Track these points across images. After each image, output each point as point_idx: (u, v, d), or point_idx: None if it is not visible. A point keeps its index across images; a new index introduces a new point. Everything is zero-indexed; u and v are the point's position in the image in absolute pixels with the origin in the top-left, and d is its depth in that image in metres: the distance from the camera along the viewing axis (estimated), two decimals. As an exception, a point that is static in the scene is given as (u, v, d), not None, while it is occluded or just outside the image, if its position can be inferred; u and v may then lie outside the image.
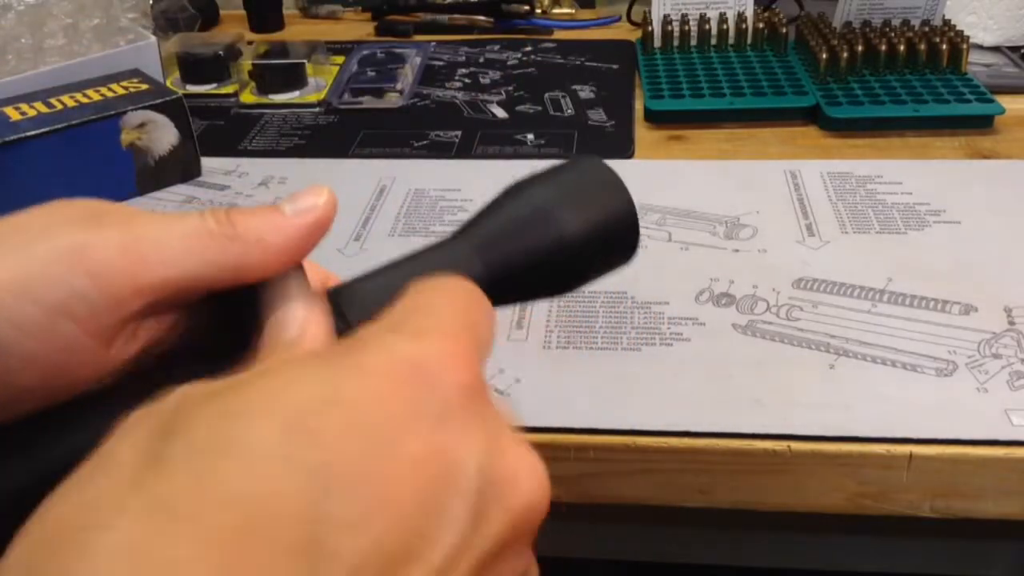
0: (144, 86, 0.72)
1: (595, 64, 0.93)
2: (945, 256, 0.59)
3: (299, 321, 0.26)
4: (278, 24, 1.07)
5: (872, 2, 0.86)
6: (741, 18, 0.88)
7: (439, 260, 0.30)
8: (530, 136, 0.78)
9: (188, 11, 0.99)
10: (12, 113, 0.67)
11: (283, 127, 0.82)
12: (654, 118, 0.79)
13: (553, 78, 0.90)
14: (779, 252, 0.60)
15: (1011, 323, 0.53)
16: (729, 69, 0.85)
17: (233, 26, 1.06)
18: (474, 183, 0.70)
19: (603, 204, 0.31)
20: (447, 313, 0.25)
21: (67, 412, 0.26)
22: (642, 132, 0.78)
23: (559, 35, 1.02)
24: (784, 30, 0.88)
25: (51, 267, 0.25)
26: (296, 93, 0.86)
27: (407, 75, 0.90)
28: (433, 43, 0.99)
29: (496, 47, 0.98)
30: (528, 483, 0.23)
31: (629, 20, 1.02)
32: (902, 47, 0.81)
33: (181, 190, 0.72)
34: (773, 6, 0.92)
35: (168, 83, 0.86)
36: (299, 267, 0.28)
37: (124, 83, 0.72)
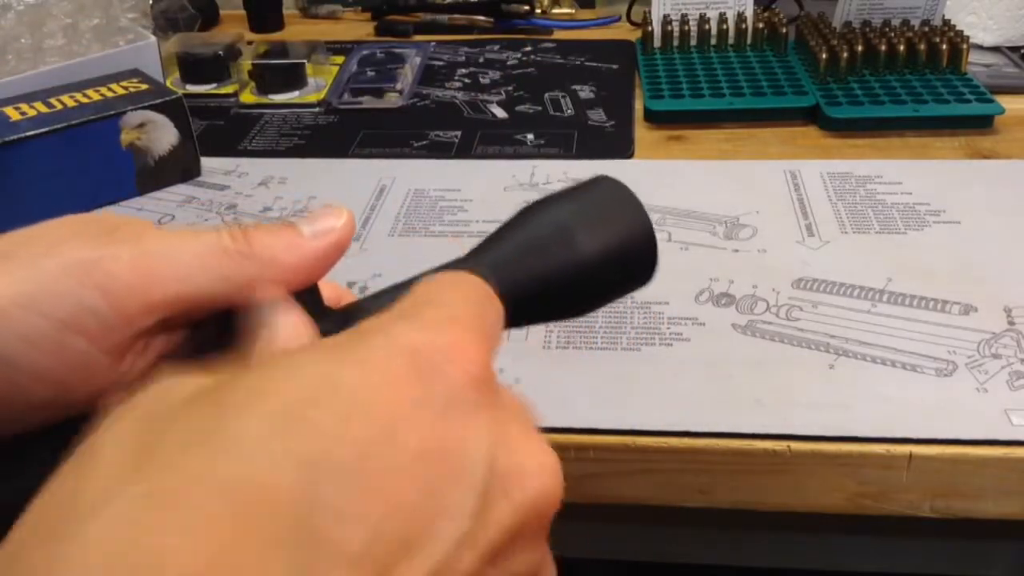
0: (144, 86, 0.72)
1: (595, 64, 0.93)
2: (945, 256, 0.59)
3: (293, 326, 0.26)
4: (278, 24, 1.07)
5: (872, 2, 0.86)
6: (741, 18, 0.88)
7: None
8: (530, 136, 0.78)
9: (188, 11, 0.99)
10: (12, 113, 0.67)
11: (283, 127, 0.82)
12: (654, 118, 0.79)
13: (553, 78, 0.90)
14: (779, 252, 0.60)
15: (1011, 323, 0.53)
16: (729, 69, 0.85)
17: (233, 26, 1.06)
18: (474, 183, 0.70)
19: (622, 226, 0.31)
20: (455, 304, 0.24)
21: (73, 426, 0.26)
22: (642, 132, 0.78)
23: (559, 35, 1.02)
24: (784, 30, 0.87)
25: (62, 281, 0.25)
26: (296, 93, 0.86)
27: (407, 75, 0.90)
28: (433, 43, 0.99)
29: (496, 47, 0.98)
30: (538, 477, 0.23)
31: (629, 20, 1.02)
32: (902, 47, 0.81)
33: (181, 190, 0.72)
34: (773, 6, 0.92)
35: (168, 83, 0.86)
36: (314, 286, 0.28)
37: (124, 83, 0.72)
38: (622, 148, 0.75)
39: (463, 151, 0.76)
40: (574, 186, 0.32)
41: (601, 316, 0.54)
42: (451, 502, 0.21)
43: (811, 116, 0.78)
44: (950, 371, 0.49)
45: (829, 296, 0.56)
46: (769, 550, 0.57)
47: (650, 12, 0.90)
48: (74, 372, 0.25)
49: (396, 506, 0.20)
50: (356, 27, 1.06)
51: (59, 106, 0.68)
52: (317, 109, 0.85)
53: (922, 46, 0.81)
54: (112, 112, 0.68)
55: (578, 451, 0.46)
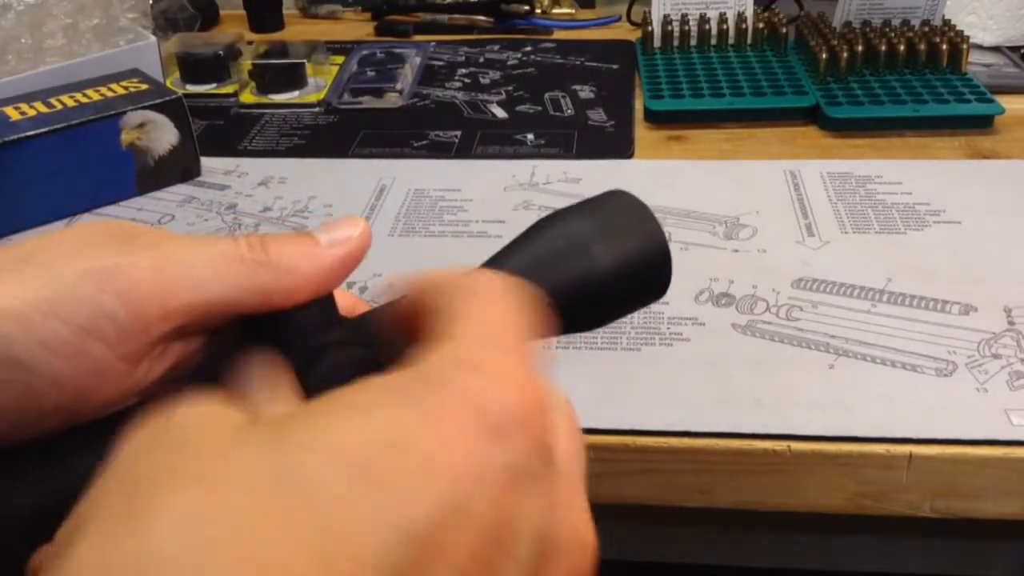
0: (144, 86, 0.72)
1: (595, 64, 0.93)
2: (945, 256, 0.59)
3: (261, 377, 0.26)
4: (278, 24, 1.07)
5: (872, 2, 0.86)
6: (741, 18, 0.88)
7: None
8: (530, 136, 0.78)
9: (188, 11, 0.99)
10: (12, 113, 0.67)
11: (283, 127, 0.82)
12: (654, 118, 0.79)
13: (553, 78, 0.90)
14: (779, 252, 0.60)
15: (1011, 323, 0.53)
16: (729, 69, 0.85)
17: (233, 26, 1.06)
18: (474, 183, 0.70)
19: (637, 239, 0.31)
20: (512, 336, 0.23)
21: (88, 432, 0.26)
22: (642, 132, 0.78)
23: (559, 35, 1.02)
24: (784, 30, 0.88)
25: (80, 287, 0.25)
26: (296, 93, 0.86)
27: (407, 75, 0.90)
28: (433, 43, 0.99)
29: (496, 47, 0.98)
30: (576, 553, 0.22)
31: (629, 20, 1.02)
32: (902, 47, 0.81)
33: (181, 190, 0.72)
34: (773, 6, 0.92)
35: (168, 83, 0.86)
36: (330, 295, 0.28)
37: (124, 83, 0.72)
38: (622, 148, 0.75)
39: (463, 151, 0.76)
40: (588, 200, 0.32)
41: (601, 316, 0.54)
42: (501, 575, 0.20)
43: (811, 116, 0.78)
44: (950, 371, 0.49)
45: (829, 296, 0.56)
46: (769, 550, 0.57)
47: (650, 12, 0.90)
48: (90, 378, 0.25)
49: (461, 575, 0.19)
50: (356, 27, 1.06)
51: (59, 106, 0.68)
52: (317, 109, 0.85)
53: (922, 46, 0.81)
54: (112, 112, 0.68)
55: (578, 451, 0.46)
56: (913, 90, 0.79)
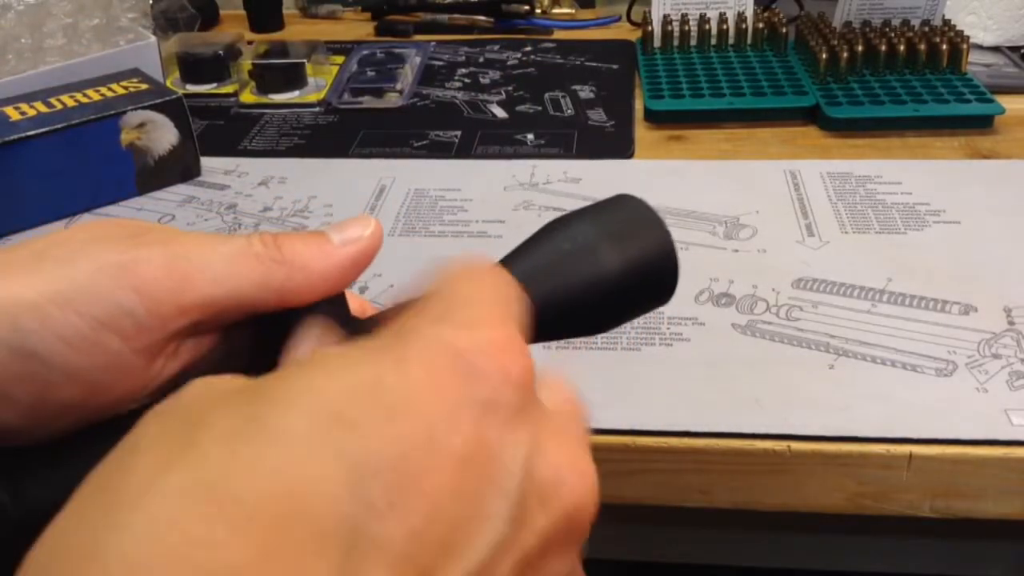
0: (144, 86, 0.72)
1: (595, 64, 0.93)
2: (945, 256, 0.59)
3: (316, 337, 0.26)
4: (278, 24, 1.07)
5: (872, 2, 0.86)
6: (741, 18, 0.88)
7: None
8: (530, 136, 0.78)
9: (188, 11, 0.99)
10: (12, 113, 0.67)
11: (283, 127, 0.82)
12: (654, 118, 0.79)
13: (553, 78, 0.90)
14: (779, 252, 0.60)
15: (1011, 323, 0.53)
16: (729, 69, 0.85)
17: (233, 26, 1.06)
18: (474, 183, 0.70)
19: (645, 243, 0.31)
20: (490, 302, 0.24)
21: (104, 430, 0.26)
22: (642, 132, 0.78)
23: (559, 35, 1.02)
24: (784, 30, 0.88)
25: (97, 282, 0.25)
26: (296, 93, 0.86)
27: (407, 75, 0.90)
28: (433, 43, 0.99)
29: (496, 47, 0.98)
30: (575, 486, 0.23)
31: (629, 20, 1.02)
32: (902, 47, 0.81)
33: (181, 190, 0.72)
34: (773, 6, 0.92)
35: (168, 83, 0.86)
36: (341, 294, 0.28)
37: (124, 83, 0.72)
38: (622, 148, 0.75)
39: (463, 151, 0.76)
40: (597, 203, 0.32)
41: (601, 316, 0.54)
42: (489, 507, 0.21)
43: (811, 116, 0.78)
44: (950, 371, 0.49)
45: (829, 296, 0.56)
46: (769, 550, 0.57)
47: (650, 12, 0.90)
48: (106, 373, 0.25)
49: (436, 508, 0.20)
50: (356, 27, 1.06)
51: (59, 106, 0.68)
52: (317, 109, 0.85)
53: (922, 46, 0.81)
54: (112, 112, 0.68)
55: (578, 451, 0.46)
56: (913, 90, 0.79)
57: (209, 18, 1.06)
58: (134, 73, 0.74)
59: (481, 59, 0.95)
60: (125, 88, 0.71)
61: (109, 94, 0.70)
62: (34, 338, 0.24)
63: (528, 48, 0.98)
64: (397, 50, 0.96)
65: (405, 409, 0.20)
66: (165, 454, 0.19)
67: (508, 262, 0.31)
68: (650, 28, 0.89)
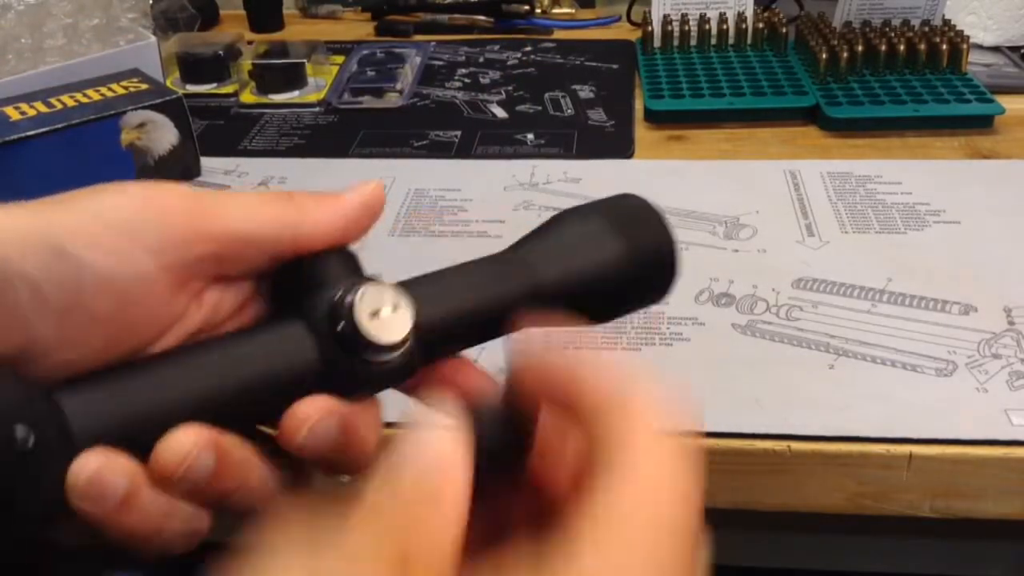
0: (144, 86, 0.72)
1: (595, 64, 0.93)
2: (945, 256, 0.59)
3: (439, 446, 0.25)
4: (278, 24, 1.07)
5: (872, 2, 0.86)
6: (741, 18, 0.88)
7: (493, 272, 0.32)
8: (530, 136, 0.78)
9: (188, 11, 0.99)
10: (12, 113, 0.67)
11: (283, 127, 0.82)
12: (654, 118, 0.79)
13: (553, 78, 0.90)
14: (779, 252, 0.60)
15: (1011, 323, 0.53)
16: (729, 69, 0.85)
17: (233, 26, 1.06)
18: (474, 183, 0.70)
19: (648, 236, 0.33)
20: (664, 514, 0.23)
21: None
22: (642, 132, 0.78)
23: (559, 35, 1.02)
24: (784, 30, 0.88)
25: (122, 204, 0.28)
26: (296, 93, 0.86)
27: (407, 75, 0.90)
28: (433, 43, 0.99)
29: (496, 47, 0.98)
30: None
31: (629, 20, 1.02)
32: (902, 47, 0.81)
33: (181, 190, 0.72)
34: (773, 6, 0.92)
35: (168, 83, 0.86)
36: (353, 253, 0.31)
37: (124, 83, 0.72)
38: (622, 148, 0.75)
39: (463, 151, 0.76)
40: (604, 199, 0.34)
41: (601, 316, 0.54)
42: None
43: (811, 116, 0.78)
44: (950, 371, 0.49)
45: (829, 296, 0.56)
46: (769, 550, 0.57)
47: (650, 12, 0.90)
48: (135, 284, 0.27)
49: None
50: (356, 27, 1.06)
51: (59, 106, 0.68)
52: (317, 109, 0.85)
53: (922, 46, 0.81)
54: (112, 112, 0.68)
55: (578, 451, 0.46)
56: (913, 90, 0.79)
57: (209, 18, 1.06)
58: (134, 73, 0.74)
59: (481, 59, 0.95)
60: (125, 88, 0.71)
61: (109, 94, 0.70)
62: (64, 236, 0.26)
63: (528, 48, 0.98)
64: (397, 50, 0.96)
65: None
66: None
67: (520, 246, 0.32)
68: (650, 28, 0.89)
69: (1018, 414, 0.46)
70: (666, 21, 0.90)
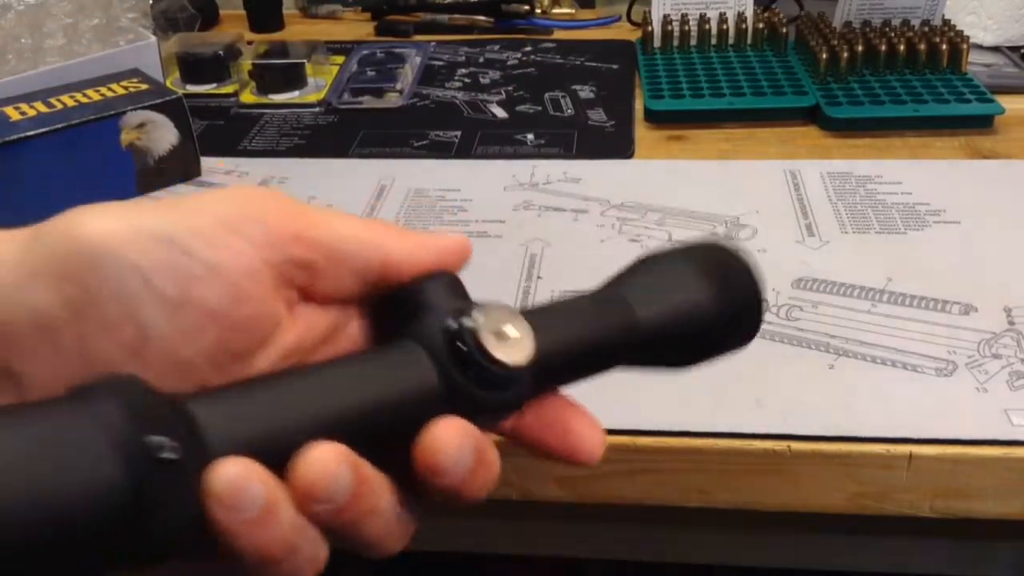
0: (144, 86, 0.72)
1: (595, 64, 0.93)
2: (945, 256, 0.59)
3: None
4: (278, 24, 1.07)
5: (872, 2, 0.86)
6: (741, 18, 0.88)
7: (597, 309, 0.32)
8: (530, 136, 0.78)
9: (188, 11, 0.99)
10: (12, 113, 0.67)
11: (283, 127, 0.82)
12: (654, 118, 0.79)
13: (553, 78, 0.90)
14: (779, 252, 0.60)
15: (1011, 323, 0.53)
16: (729, 69, 0.85)
17: (233, 26, 1.06)
18: (474, 183, 0.70)
19: (738, 282, 0.33)
20: None
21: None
22: (642, 132, 0.78)
23: (559, 35, 1.02)
24: (784, 30, 0.88)
25: (227, 201, 0.28)
26: (296, 93, 0.86)
27: (407, 75, 0.90)
28: (433, 43, 0.99)
29: (496, 47, 0.98)
30: None
31: (629, 20, 1.02)
32: (902, 47, 0.81)
33: (181, 190, 0.72)
34: (773, 6, 0.92)
35: (168, 83, 0.86)
36: (455, 277, 0.31)
37: (124, 83, 0.72)
38: (622, 148, 0.75)
39: (463, 151, 0.76)
40: (693, 243, 0.34)
41: (601, 316, 0.54)
42: None
43: (811, 116, 0.78)
44: (950, 371, 0.49)
45: (829, 296, 0.56)
46: (769, 550, 0.57)
47: (650, 12, 0.90)
48: (243, 277, 0.27)
49: None
50: (356, 27, 1.06)
51: (59, 106, 0.68)
52: (317, 109, 0.85)
53: (922, 46, 0.81)
54: (112, 112, 0.68)
55: (578, 451, 0.46)
56: (913, 90, 0.79)
57: (209, 18, 1.06)
58: (134, 73, 0.74)
59: (481, 59, 0.95)
60: (125, 88, 0.71)
61: (109, 94, 0.70)
62: (173, 229, 0.27)
63: (528, 48, 0.98)
64: (397, 50, 0.96)
65: None
66: None
67: (613, 286, 0.33)
68: (650, 28, 0.89)
69: (1018, 414, 0.46)
70: (666, 21, 0.90)
